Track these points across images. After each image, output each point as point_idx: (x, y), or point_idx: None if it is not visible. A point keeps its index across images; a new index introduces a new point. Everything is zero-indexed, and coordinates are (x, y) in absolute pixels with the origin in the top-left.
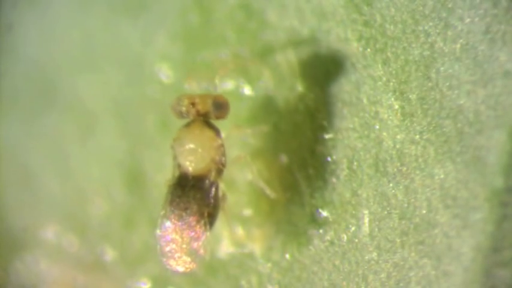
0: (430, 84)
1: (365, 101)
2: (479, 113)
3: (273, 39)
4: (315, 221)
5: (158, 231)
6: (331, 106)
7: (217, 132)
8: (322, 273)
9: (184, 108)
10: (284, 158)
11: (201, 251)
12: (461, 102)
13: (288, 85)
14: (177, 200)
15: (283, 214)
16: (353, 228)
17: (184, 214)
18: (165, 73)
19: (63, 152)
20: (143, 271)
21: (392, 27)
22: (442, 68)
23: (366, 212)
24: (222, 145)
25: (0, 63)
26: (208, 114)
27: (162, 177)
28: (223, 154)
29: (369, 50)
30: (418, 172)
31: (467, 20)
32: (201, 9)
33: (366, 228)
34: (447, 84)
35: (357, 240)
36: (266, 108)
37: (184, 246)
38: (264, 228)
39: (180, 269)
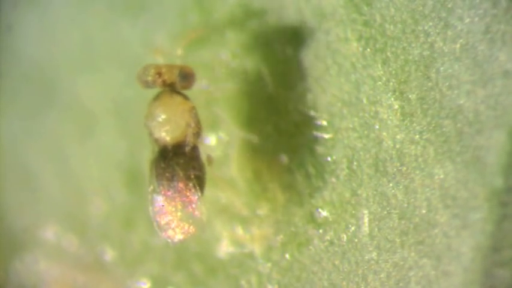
0: (429, 84)
1: (365, 100)
2: (479, 112)
3: (273, 39)
4: (315, 221)
5: (150, 208)
6: (331, 106)
7: (185, 96)
8: (322, 273)
9: (150, 78)
10: (284, 158)
11: (197, 213)
12: (461, 102)
13: (288, 85)
14: (161, 172)
15: (283, 214)
16: (353, 228)
17: (171, 183)
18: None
19: (62, 152)
20: (143, 271)
21: (392, 27)
22: (441, 68)
23: (366, 211)
24: (193, 107)
25: (0, 63)
26: (174, 84)
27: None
28: (197, 116)
29: (368, 49)
30: (417, 172)
31: (467, 20)
32: (201, 9)
33: (365, 228)
34: (447, 84)
35: (356, 240)
36: (265, 107)
37: (179, 214)
38: (264, 228)
39: (180, 236)
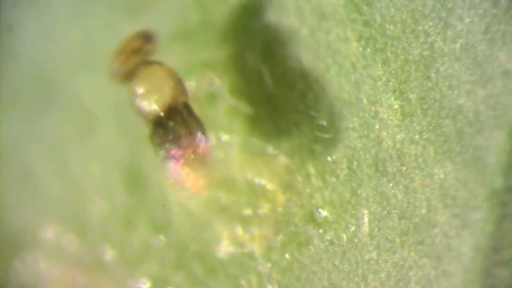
0: (429, 84)
1: (365, 100)
2: (479, 112)
3: (273, 38)
4: (315, 220)
5: (169, 180)
6: (331, 106)
7: (158, 62)
8: (322, 273)
9: (124, 58)
10: (284, 158)
11: (211, 159)
12: (461, 102)
13: (288, 85)
14: (164, 139)
15: (283, 214)
16: (353, 228)
17: (176, 144)
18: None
19: (62, 152)
20: (143, 271)
21: (392, 27)
22: (441, 68)
23: (366, 211)
24: (170, 69)
25: (0, 63)
26: (141, 50)
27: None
28: (176, 75)
29: (368, 49)
30: (417, 172)
31: (467, 20)
32: (201, 9)
33: (365, 228)
34: (447, 84)
35: (356, 240)
36: (266, 107)
37: (195, 166)
38: (264, 228)
39: (204, 185)
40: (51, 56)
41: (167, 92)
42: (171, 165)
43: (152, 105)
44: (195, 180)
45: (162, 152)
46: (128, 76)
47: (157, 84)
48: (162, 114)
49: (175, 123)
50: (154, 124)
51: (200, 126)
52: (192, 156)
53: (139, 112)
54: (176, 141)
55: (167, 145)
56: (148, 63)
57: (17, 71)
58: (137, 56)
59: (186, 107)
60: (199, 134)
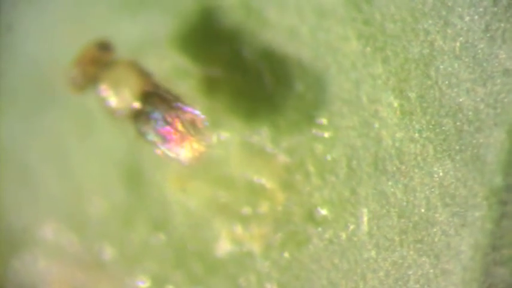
0: (429, 82)
1: (364, 99)
2: (479, 111)
3: (273, 37)
4: (314, 219)
5: (170, 161)
6: (331, 104)
7: (116, 63)
8: (321, 272)
9: (81, 68)
10: (283, 157)
11: (197, 122)
12: (461, 100)
13: (288, 83)
14: (149, 124)
15: (282, 213)
16: (352, 227)
17: (162, 122)
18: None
19: (62, 151)
20: (142, 269)
21: (391, 25)
22: (441, 66)
23: (365, 210)
24: (129, 61)
25: (0, 62)
26: (98, 59)
27: (161, 176)
28: (137, 65)
29: (368, 48)
30: (417, 170)
31: (467, 18)
32: (201, 8)
33: (364, 226)
34: (446, 82)
35: (355, 239)
36: (265, 106)
37: (189, 134)
38: (263, 227)
39: (201, 151)
40: (51, 55)
41: (134, 81)
42: (166, 144)
43: (124, 100)
44: (191, 149)
45: (152, 137)
46: (88, 84)
47: (121, 79)
48: (137, 104)
49: (153, 104)
50: (135, 116)
51: (178, 98)
52: (181, 127)
53: (115, 112)
54: (161, 119)
55: (154, 127)
56: (106, 65)
57: (17, 70)
58: (95, 65)
59: (157, 87)
60: (180, 104)
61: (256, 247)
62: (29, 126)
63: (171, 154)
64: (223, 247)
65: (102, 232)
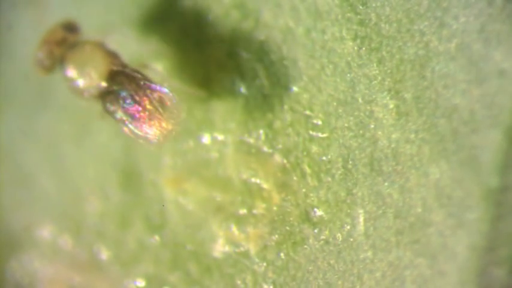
0: (425, 83)
1: (360, 100)
2: (474, 112)
3: (268, 38)
4: (310, 220)
5: (149, 143)
6: (326, 105)
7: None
8: (317, 273)
9: (47, 49)
10: (279, 157)
11: (167, 100)
12: (457, 101)
13: (283, 84)
14: (117, 103)
15: (278, 213)
16: (348, 227)
17: (131, 100)
18: (161, 72)
19: (58, 151)
20: (138, 270)
21: (387, 26)
22: (437, 67)
23: (361, 211)
24: (95, 42)
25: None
26: (64, 40)
27: (158, 177)
28: (103, 45)
29: (364, 49)
30: (413, 171)
31: (462, 19)
32: (197, 9)
33: (361, 227)
34: (442, 83)
35: (352, 239)
36: (261, 107)
37: (157, 113)
38: (259, 227)
39: (170, 129)
40: None
41: (100, 61)
42: (134, 123)
43: (92, 80)
44: (160, 127)
45: (120, 115)
46: (55, 65)
47: (88, 59)
48: (104, 83)
49: (121, 83)
50: (103, 95)
51: (146, 77)
52: (149, 105)
53: (82, 92)
54: (130, 97)
55: (122, 106)
56: (73, 46)
57: (15, 70)
58: (61, 47)
59: (125, 66)
60: (148, 83)
61: (252, 247)
62: (26, 126)
63: (140, 133)
64: (220, 248)
65: (98, 233)
